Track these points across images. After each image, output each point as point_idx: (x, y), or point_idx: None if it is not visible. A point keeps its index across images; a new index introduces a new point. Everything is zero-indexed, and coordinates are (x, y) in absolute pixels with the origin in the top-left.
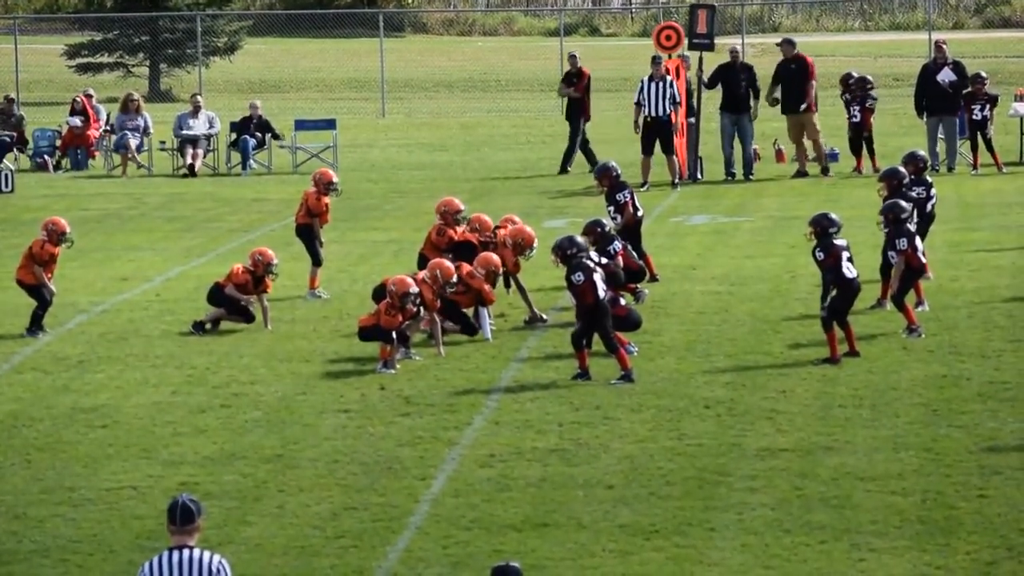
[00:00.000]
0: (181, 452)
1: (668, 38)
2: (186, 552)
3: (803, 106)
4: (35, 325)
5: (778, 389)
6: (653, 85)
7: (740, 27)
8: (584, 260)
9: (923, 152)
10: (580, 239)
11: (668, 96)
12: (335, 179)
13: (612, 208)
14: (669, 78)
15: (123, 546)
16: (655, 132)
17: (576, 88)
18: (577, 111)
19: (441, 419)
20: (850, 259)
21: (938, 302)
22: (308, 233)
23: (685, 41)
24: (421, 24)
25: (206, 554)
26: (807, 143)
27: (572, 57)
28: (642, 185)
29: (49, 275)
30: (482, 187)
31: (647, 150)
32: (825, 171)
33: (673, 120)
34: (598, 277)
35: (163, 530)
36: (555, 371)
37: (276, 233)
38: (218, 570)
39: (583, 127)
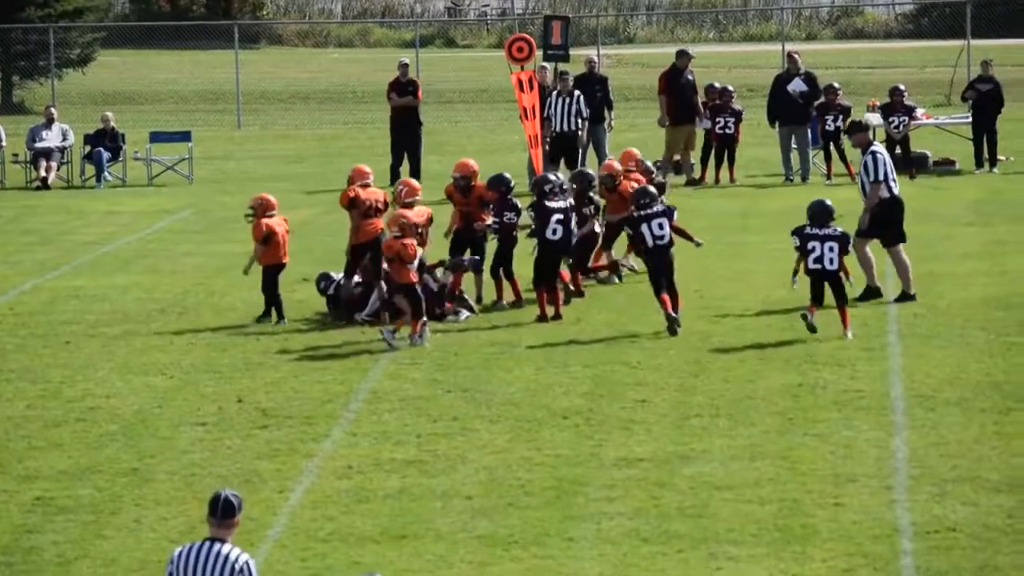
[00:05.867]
0: (36, 466)
1: (520, 50)
2: (217, 545)
3: (701, 121)
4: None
5: (635, 399)
6: (560, 100)
7: (595, 38)
8: None
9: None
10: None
11: (575, 111)
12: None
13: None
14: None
15: None
16: (561, 147)
17: (415, 96)
18: (415, 120)
19: (299, 431)
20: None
21: (794, 312)
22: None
23: (538, 52)
24: (276, 36)
25: (235, 551)
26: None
27: (404, 66)
28: None
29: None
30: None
31: (553, 163)
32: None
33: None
34: None
35: (17, 545)
36: (412, 383)
37: (131, 246)
38: (242, 569)
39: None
